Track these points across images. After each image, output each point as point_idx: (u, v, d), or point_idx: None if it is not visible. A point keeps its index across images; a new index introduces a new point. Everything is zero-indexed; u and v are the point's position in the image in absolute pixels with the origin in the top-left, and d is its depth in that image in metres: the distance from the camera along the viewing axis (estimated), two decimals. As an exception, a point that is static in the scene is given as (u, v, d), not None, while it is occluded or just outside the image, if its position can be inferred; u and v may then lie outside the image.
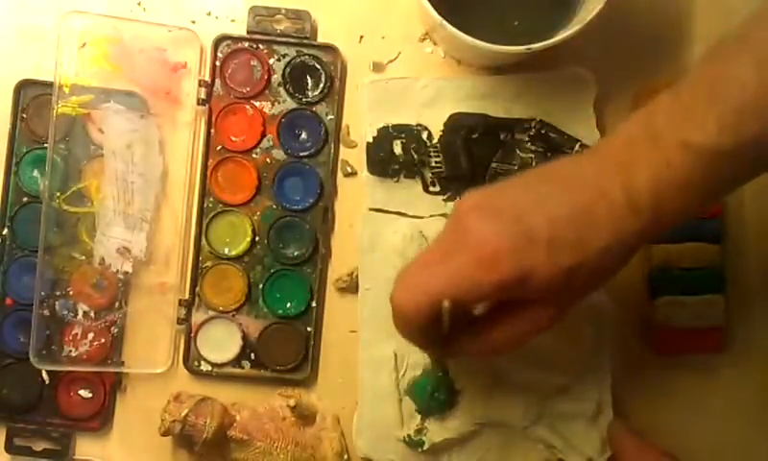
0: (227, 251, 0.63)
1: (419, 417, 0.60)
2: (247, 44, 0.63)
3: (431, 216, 0.62)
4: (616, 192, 0.44)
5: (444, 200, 0.62)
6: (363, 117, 0.63)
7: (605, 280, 0.47)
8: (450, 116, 0.62)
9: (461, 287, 0.45)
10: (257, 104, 0.63)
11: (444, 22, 0.54)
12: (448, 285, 0.45)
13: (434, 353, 0.57)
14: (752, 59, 0.42)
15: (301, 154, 0.63)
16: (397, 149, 0.62)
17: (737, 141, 0.42)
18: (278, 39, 0.63)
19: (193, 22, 0.64)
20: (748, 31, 0.44)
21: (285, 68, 0.63)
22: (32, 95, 0.62)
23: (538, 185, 0.47)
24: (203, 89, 0.63)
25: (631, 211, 0.44)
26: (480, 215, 0.46)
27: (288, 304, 0.62)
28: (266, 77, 0.63)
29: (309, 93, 0.63)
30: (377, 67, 0.64)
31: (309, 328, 0.62)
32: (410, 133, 0.62)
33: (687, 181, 0.43)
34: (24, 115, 0.62)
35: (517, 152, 0.62)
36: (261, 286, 0.62)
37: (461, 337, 0.49)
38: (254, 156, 0.63)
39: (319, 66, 0.63)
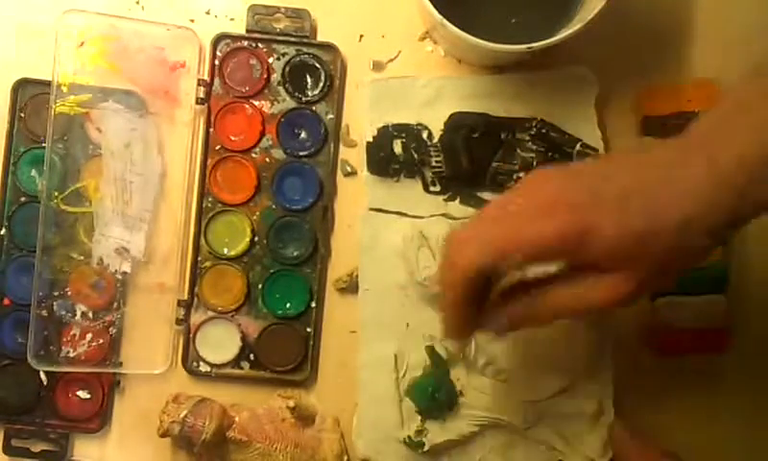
0: (226, 251, 0.62)
1: (419, 418, 0.60)
2: (246, 43, 0.63)
3: (431, 216, 0.62)
4: (700, 165, 0.42)
5: (444, 200, 0.62)
6: (363, 116, 0.63)
7: (694, 258, 0.45)
8: (451, 115, 0.62)
9: (522, 237, 0.43)
10: (257, 103, 0.63)
11: (445, 21, 0.53)
12: (510, 235, 0.44)
13: (465, 329, 0.50)
14: None
15: (301, 153, 0.63)
16: (398, 148, 0.62)
17: None
18: (278, 38, 0.63)
19: (192, 21, 0.64)
20: None
21: (285, 67, 0.63)
22: (30, 94, 0.62)
23: (612, 162, 0.46)
24: (201, 88, 0.62)
25: (717, 185, 0.42)
26: (547, 174, 0.45)
27: (287, 305, 0.62)
28: (265, 76, 0.63)
29: (309, 92, 0.63)
30: (377, 66, 0.64)
31: (309, 329, 0.62)
32: (410, 133, 0.62)
33: None
34: (22, 114, 0.62)
35: (518, 151, 0.62)
36: (260, 286, 0.62)
37: (510, 303, 0.47)
38: (254, 155, 0.63)
39: (318, 65, 0.63)
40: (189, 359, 0.62)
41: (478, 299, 0.46)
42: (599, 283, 0.45)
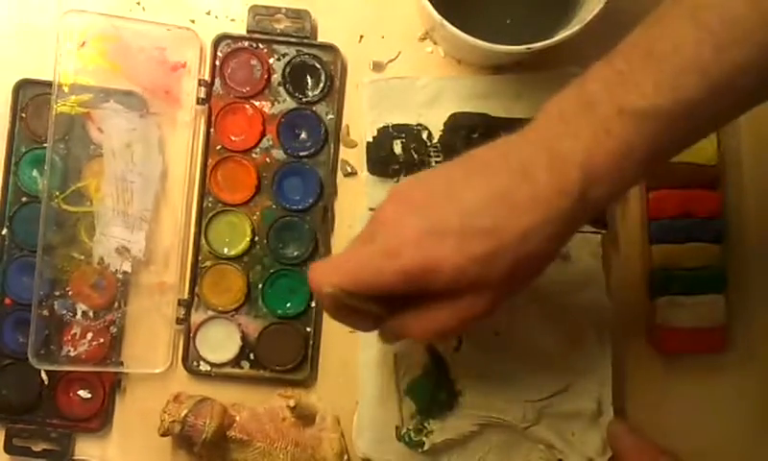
0: (226, 250, 0.62)
1: (419, 417, 0.60)
2: (246, 43, 0.63)
3: (431, 216, 0.62)
4: (540, 171, 0.42)
5: (444, 200, 0.62)
6: (363, 117, 0.63)
7: (540, 265, 0.45)
8: (451, 116, 0.62)
9: (363, 275, 0.44)
10: (257, 103, 0.63)
11: (445, 22, 0.54)
12: (353, 272, 0.45)
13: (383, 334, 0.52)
14: (688, 14, 0.41)
15: (301, 153, 0.63)
16: (398, 149, 0.62)
17: (676, 101, 0.40)
18: (278, 39, 0.63)
19: (192, 21, 0.64)
20: None
21: (285, 68, 0.63)
22: (31, 94, 0.62)
23: (456, 174, 0.45)
24: (202, 89, 0.62)
25: (557, 191, 0.42)
26: (396, 207, 0.45)
27: (288, 304, 0.62)
28: (266, 76, 0.63)
29: (309, 93, 0.63)
30: (377, 67, 0.64)
31: (309, 328, 0.62)
32: (410, 133, 0.62)
33: (625, 150, 0.41)
34: (23, 115, 0.62)
35: (518, 151, 0.62)
36: (260, 286, 0.62)
37: (397, 318, 0.47)
38: (254, 155, 0.63)
39: (319, 66, 0.63)
40: (189, 359, 0.62)
41: (358, 312, 0.47)
42: (456, 305, 0.45)
